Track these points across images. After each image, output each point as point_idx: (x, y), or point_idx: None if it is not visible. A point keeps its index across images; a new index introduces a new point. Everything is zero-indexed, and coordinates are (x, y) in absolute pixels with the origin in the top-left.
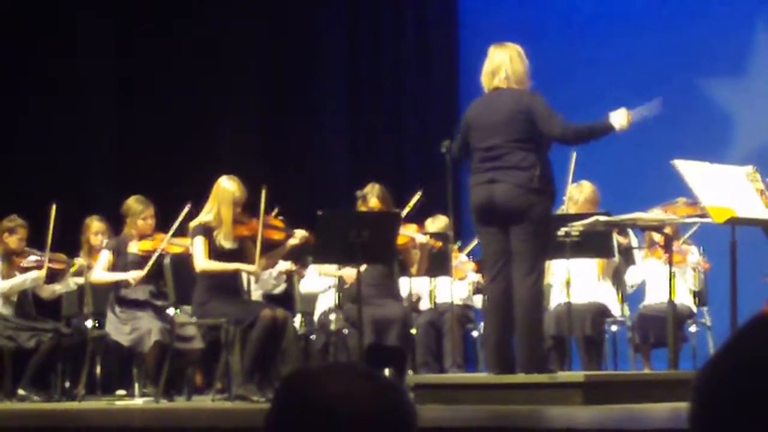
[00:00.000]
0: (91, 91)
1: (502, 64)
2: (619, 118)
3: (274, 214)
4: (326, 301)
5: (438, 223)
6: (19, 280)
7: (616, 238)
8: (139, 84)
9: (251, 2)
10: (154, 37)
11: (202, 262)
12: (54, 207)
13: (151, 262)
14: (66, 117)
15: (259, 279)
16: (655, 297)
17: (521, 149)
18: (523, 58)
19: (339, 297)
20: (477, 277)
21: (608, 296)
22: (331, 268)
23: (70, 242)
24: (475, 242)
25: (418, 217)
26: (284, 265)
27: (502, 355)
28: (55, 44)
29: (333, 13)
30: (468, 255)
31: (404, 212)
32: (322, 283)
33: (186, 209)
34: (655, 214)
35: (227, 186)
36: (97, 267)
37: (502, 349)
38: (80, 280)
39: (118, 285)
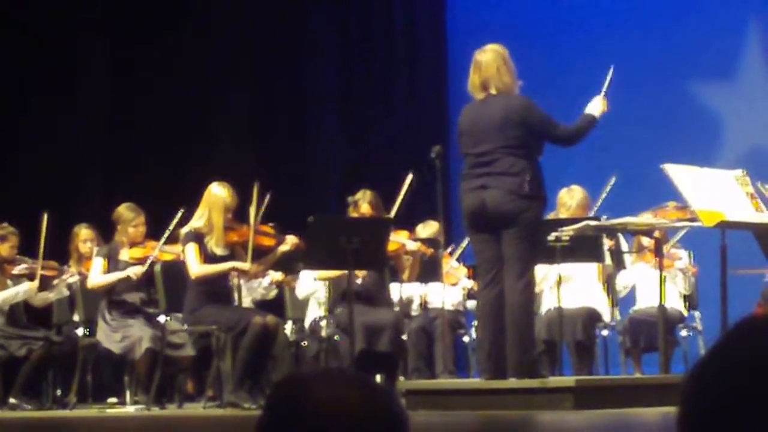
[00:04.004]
0: (84, 97)
1: (491, 77)
2: (596, 106)
3: (267, 224)
4: (317, 308)
5: (429, 228)
6: (12, 292)
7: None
8: (133, 91)
9: (245, 12)
10: (150, 46)
11: (197, 268)
12: (45, 216)
13: (147, 264)
14: (62, 122)
15: (249, 287)
16: (645, 301)
17: (512, 155)
18: (508, 63)
19: (329, 299)
20: (470, 283)
21: (599, 301)
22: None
23: (60, 250)
24: (464, 245)
25: (409, 222)
26: (274, 275)
27: (496, 361)
28: (50, 48)
29: (324, 20)
30: (458, 260)
31: (398, 199)
32: (317, 284)
33: (179, 215)
34: (645, 218)
35: (218, 192)
36: (92, 273)
37: (495, 354)
38: (73, 278)
39: (111, 291)
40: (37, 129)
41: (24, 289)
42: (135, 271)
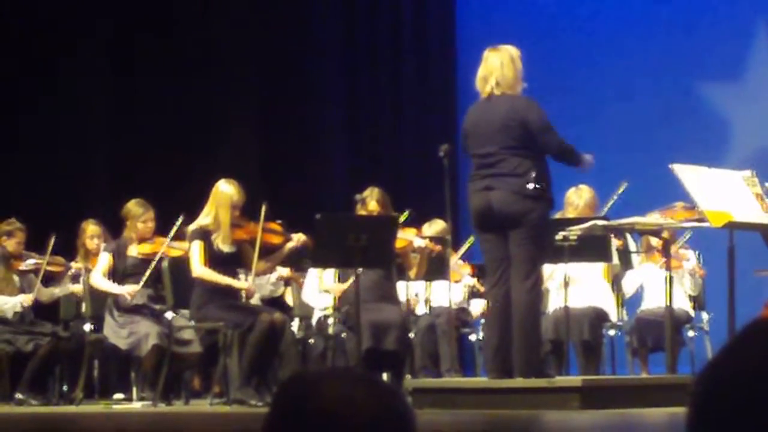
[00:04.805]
0: (90, 95)
1: (494, 71)
2: (588, 160)
3: (275, 221)
4: (324, 306)
5: (435, 227)
6: (2, 300)
7: (613, 242)
8: (138, 88)
9: (251, 10)
10: (153, 43)
11: (198, 269)
12: (53, 238)
13: (149, 271)
14: (65, 120)
15: (257, 284)
16: (652, 301)
17: (516, 156)
18: (515, 62)
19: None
20: (473, 281)
21: (606, 301)
22: (332, 284)
23: (68, 246)
24: (468, 244)
25: (416, 221)
26: (282, 271)
27: (502, 360)
28: (54, 46)
29: (331, 20)
30: (462, 258)
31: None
32: (321, 301)
33: (179, 221)
34: (653, 218)
35: (225, 189)
36: (96, 270)
37: (502, 354)
38: (77, 287)
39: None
40: (42, 128)
41: (14, 302)
42: (129, 291)
